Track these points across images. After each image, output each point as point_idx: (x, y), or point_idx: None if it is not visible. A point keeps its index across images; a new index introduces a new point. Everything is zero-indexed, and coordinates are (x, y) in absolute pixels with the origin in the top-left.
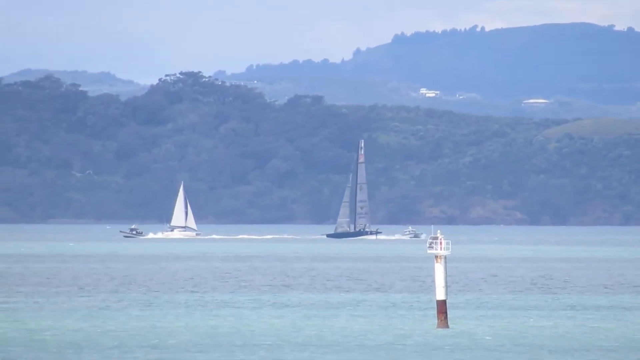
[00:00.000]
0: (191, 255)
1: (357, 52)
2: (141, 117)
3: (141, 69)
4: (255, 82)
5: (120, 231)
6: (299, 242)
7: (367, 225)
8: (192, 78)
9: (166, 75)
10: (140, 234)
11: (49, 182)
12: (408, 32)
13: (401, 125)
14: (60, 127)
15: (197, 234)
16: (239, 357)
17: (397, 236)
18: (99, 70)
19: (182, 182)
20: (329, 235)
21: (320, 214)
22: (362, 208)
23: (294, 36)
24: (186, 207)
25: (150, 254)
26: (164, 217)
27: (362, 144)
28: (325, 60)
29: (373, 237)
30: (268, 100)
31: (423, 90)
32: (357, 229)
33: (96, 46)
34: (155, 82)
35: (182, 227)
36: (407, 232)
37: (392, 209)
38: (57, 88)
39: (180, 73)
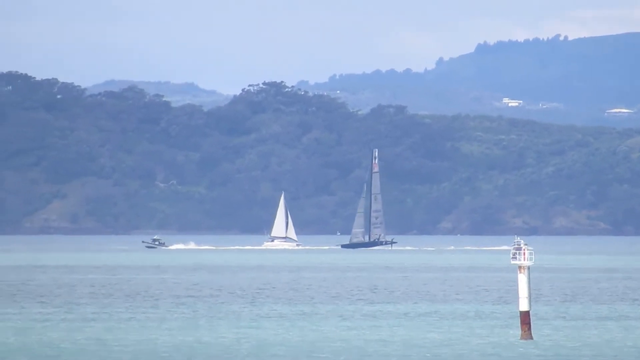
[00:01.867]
0: (291, 264)
1: (440, 61)
2: (224, 127)
3: (224, 80)
4: (338, 91)
5: (143, 241)
6: (336, 252)
7: (382, 235)
8: (275, 88)
9: (249, 86)
10: (163, 244)
11: (133, 193)
12: (491, 42)
13: (484, 135)
14: (143, 138)
15: (297, 245)
16: None
17: (504, 247)
18: (182, 80)
19: (283, 192)
20: (343, 246)
21: (403, 224)
22: (376, 218)
23: (377, 46)
24: (287, 218)
25: (255, 264)
26: (265, 228)
27: (376, 153)
28: (408, 69)
29: (388, 247)
30: (351, 110)
31: (506, 100)
32: (372, 239)
33: (179, 57)
34: (238, 92)
35: (282, 237)
36: (515, 244)
37: (475, 219)
38: (141, 99)
39: (263, 83)
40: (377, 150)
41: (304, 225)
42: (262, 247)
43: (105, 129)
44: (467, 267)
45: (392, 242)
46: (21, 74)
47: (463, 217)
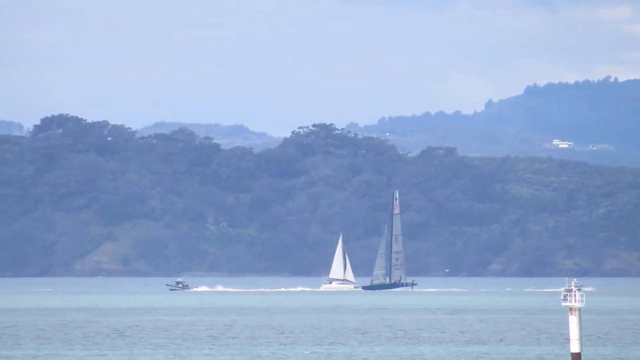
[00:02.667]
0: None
1: (489, 103)
2: (274, 169)
3: (274, 122)
4: (388, 134)
5: (167, 284)
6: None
7: (403, 277)
8: (325, 130)
9: (299, 128)
10: (187, 286)
11: (183, 235)
12: (540, 83)
13: (534, 177)
14: (194, 180)
15: (355, 287)
16: None
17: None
18: (232, 123)
19: (341, 234)
20: (364, 287)
21: (453, 265)
22: (397, 260)
23: (426, 88)
24: (344, 260)
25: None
26: (322, 270)
27: (397, 195)
28: (458, 111)
29: (409, 289)
30: (401, 152)
31: (556, 141)
32: (393, 281)
33: (229, 99)
34: (288, 134)
35: (340, 279)
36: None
37: (525, 261)
38: (191, 141)
39: (313, 125)
40: (397, 191)
41: (355, 268)
42: (321, 289)
43: (155, 171)
44: (512, 309)
45: (412, 284)
46: (72, 116)
47: (513, 258)
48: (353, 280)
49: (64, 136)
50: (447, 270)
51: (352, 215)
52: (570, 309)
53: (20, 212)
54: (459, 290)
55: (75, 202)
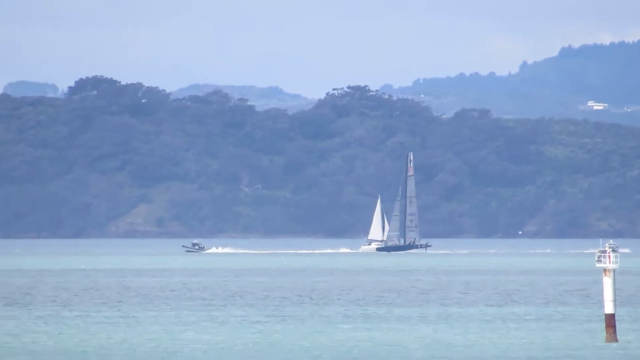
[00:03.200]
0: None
1: (524, 65)
2: (309, 131)
3: (309, 84)
4: (422, 95)
5: (183, 246)
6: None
7: (417, 239)
8: (360, 92)
9: (333, 89)
10: (203, 248)
11: (218, 197)
12: (575, 45)
13: (568, 139)
14: (228, 142)
15: (428, 248)
16: None
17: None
18: (267, 85)
19: (380, 196)
20: (378, 249)
21: (488, 227)
22: (411, 221)
23: (461, 50)
24: (383, 221)
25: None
26: (360, 231)
27: (412, 157)
28: (492, 73)
29: (423, 250)
30: (435, 114)
31: (590, 103)
32: (407, 243)
33: (264, 61)
34: (322, 96)
35: (379, 240)
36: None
37: (559, 223)
38: (226, 103)
39: (348, 87)
40: (411, 153)
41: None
42: (360, 250)
43: (190, 133)
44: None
45: (426, 246)
46: (107, 78)
47: (547, 220)
48: (423, 241)
49: (99, 98)
50: (520, 233)
51: (387, 177)
52: (605, 270)
53: (55, 174)
54: (468, 251)
55: (110, 164)
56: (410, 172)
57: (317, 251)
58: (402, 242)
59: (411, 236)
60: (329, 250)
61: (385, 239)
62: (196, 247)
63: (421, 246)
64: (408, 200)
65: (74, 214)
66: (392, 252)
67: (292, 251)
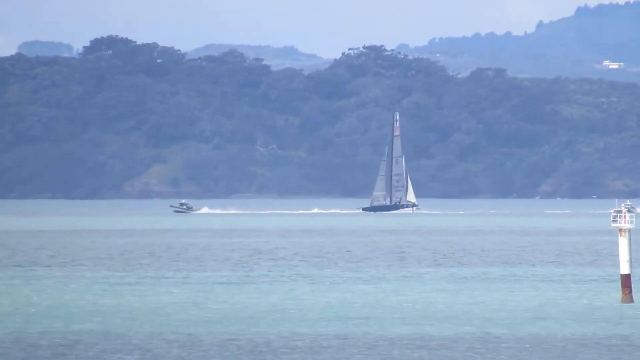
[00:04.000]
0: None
1: (540, 24)
2: (324, 91)
3: (324, 43)
4: (438, 55)
5: (171, 206)
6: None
7: (403, 198)
8: (375, 52)
9: (349, 49)
10: (191, 208)
11: (233, 157)
12: (591, 4)
13: (584, 98)
14: (243, 102)
15: (416, 208)
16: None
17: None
18: (282, 44)
19: (404, 156)
20: (364, 209)
21: (503, 187)
22: (398, 181)
23: (476, 9)
24: (406, 182)
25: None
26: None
27: (397, 117)
28: (508, 32)
29: (410, 210)
30: (451, 74)
31: (606, 62)
32: (394, 202)
33: (279, 21)
34: (338, 56)
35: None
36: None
37: (575, 182)
38: (241, 62)
39: (363, 47)
40: (397, 113)
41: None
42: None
43: (205, 93)
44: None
45: (414, 205)
46: (122, 38)
47: (563, 180)
48: (415, 201)
49: (114, 58)
50: (594, 197)
51: (402, 137)
52: (620, 230)
53: (70, 134)
54: (461, 212)
55: (125, 124)
56: (397, 132)
57: (300, 212)
58: (388, 201)
59: (397, 196)
60: (356, 210)
61: (408, 199)
62: (184, 207)
63: (407, 206)
64: (394, 160)
65: (89, 175)
66: (379, 212)
67: (280, 212)
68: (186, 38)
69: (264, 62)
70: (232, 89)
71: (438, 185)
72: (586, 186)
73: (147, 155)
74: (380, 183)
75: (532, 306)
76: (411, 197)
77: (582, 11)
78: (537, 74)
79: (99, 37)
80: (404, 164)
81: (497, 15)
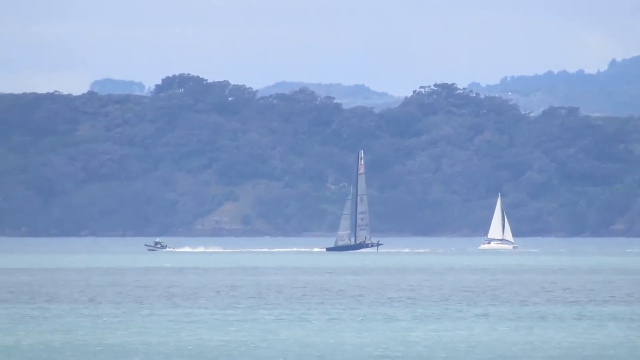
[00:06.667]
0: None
1: (613, 62)
2: (395, 129)
3: (395, 82)
4: (510, 93)
5: (145, 244)
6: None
7: (368, 237)
8: (447, 90)
9: (420, 87)
10: (165, 247)
11: (304, 195)
12: None
13: None
14: (314, 140)
15: (513, 247)
16: None
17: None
18: (353, 83)
19: (499, 194)
20: (329, 249)
21: (576, 226)
22: (362, 220)
23: (549, 47)
24: (503, 220)
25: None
26: (480, 230)
27: (362, 154)
28: (581, 70)
29: (374, 249)
30: (523, 112)
31: None
32: (358, 242)
33: (351, 59)
34: (409, 94)
35: (499, 239)
36: None
37: None
38: (312, 101)
39: (435, 85)
40: (362, 151)
41: (475, 227)
42: (480, 248)
43: (276, 131)
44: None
45: (377, 245)
46: (193, 76)
47: (636, 218)
48: (512, 240)
49: (185, 96)
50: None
51: (474, 175)
52: None
53: (141, 172)
54: (426, 250)
55: (196, 162)
56: (361, 170)
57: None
58: (353, 241)
59: (362, 235)
60: (442, 250)
61: (504, 237)
62: (158, 245)
63: (372, 245)
64: (359, 198)
65: (160, 212)
66: (343, 252)
67: (266, 249)
68: (257, 76)
69: (335, 101)
70: (303, 127)
71: (511, 223)
72: None
73: (218, 193)
74: (344, 222)
75: (599, 345)
76: (508, 236)
77: None
78: (610, 112)
79: (170, 75)
80: (367, 203)
81: (570, 53)
